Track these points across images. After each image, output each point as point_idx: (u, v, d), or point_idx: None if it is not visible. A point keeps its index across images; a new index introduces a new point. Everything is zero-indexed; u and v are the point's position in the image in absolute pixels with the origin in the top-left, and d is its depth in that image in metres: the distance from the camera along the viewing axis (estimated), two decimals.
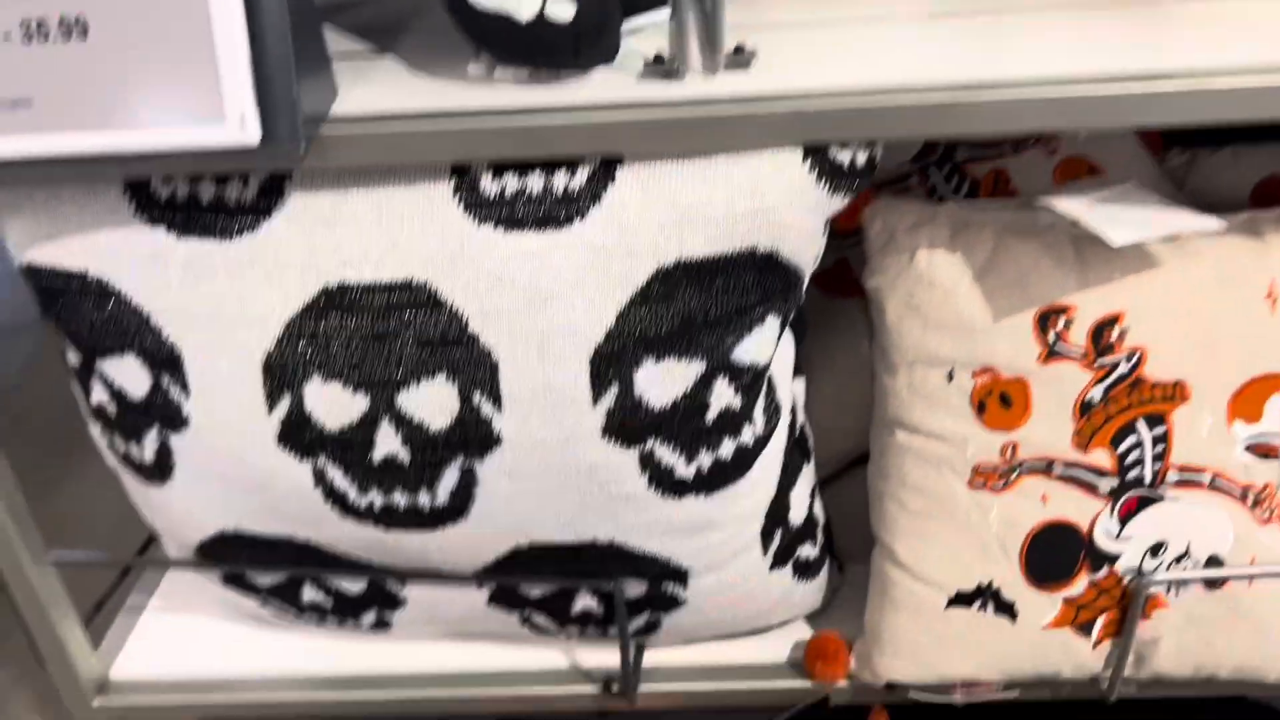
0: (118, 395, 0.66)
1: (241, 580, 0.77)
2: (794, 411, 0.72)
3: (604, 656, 0.82)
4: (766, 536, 0.72)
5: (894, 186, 0.84)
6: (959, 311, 0.68)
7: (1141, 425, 0.68)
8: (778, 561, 0.74)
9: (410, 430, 0.62)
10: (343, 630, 0.82)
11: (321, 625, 0.81)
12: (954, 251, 0.69)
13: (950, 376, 0.69)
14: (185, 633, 0.87)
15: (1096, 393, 0.68)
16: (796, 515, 0.74)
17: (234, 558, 0.74)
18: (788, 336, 0.68)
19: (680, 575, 0.71)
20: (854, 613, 0.81)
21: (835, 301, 0.80)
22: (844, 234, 0.82)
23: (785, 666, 0.81)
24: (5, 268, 0.66)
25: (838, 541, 0.85)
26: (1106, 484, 0.69)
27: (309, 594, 0.77)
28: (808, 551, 0.77)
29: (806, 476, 0.75)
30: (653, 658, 0.82)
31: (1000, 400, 0.69)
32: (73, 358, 0.68)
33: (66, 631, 0.78)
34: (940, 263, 0.68)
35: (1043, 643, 0.73)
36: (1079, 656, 0.74)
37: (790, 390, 0.70)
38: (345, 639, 0.84)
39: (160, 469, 0.68)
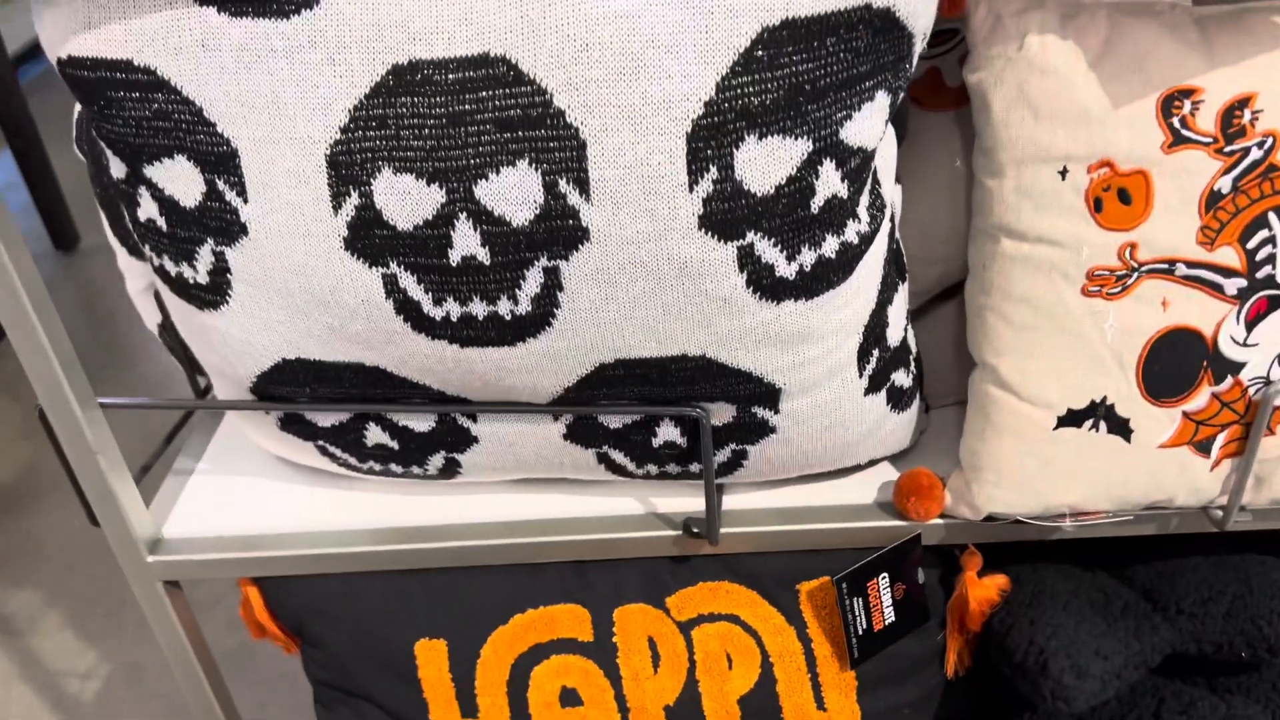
0: (168, 205, 0.61)
1: (301, 422, 0.73)
2: (893, 220, 0.67)
3: (681, 502, 0.78)
4: (863, 356, 0.67)
5: None
6: (1074, 100, 0.63)
7: (1274, 218, 0.63)
8: (873, 386, 0.69)
9: (490, 226, 0.57)
10: (407, 478, 0.78)
11: (385, 473, 0.77)
12: (1066, 36, 0.63)
13: (1063, 173, 0.64)
14: (237, 493, 0.83)
15: (1225, 183, 0.62)
16: (893, 336, 0.69)
17: (294, 391, 0.69)
18: (891, 132, 0.63)
19: (772, 396, 0.66)
20: (939, 459, 0.78)
21: (926, 114, 0.74)
22: (939, 39, 0.76)
23: (873, 507, 0.77)
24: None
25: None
26: (1234, 285, 0.64)
27: (373, 434, 0.73)
28: (901, 379, 0.72)
29: (903, 296, 0.70)
30: (733, 502, 0.78)
31: (1119, 196, 0.64)
32: (116, 169, 0.63)
33: (119, 484, 0.74)
34: (1053, 48, 0.63)
35: (1158, 464, 0.69)
36: (1196, 479, 0.69)
37: (892, 191, 0.65)
38: (406, 492, 0.80)
39: (215, 290, 0.64)
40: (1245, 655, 0.77)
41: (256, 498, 0.83)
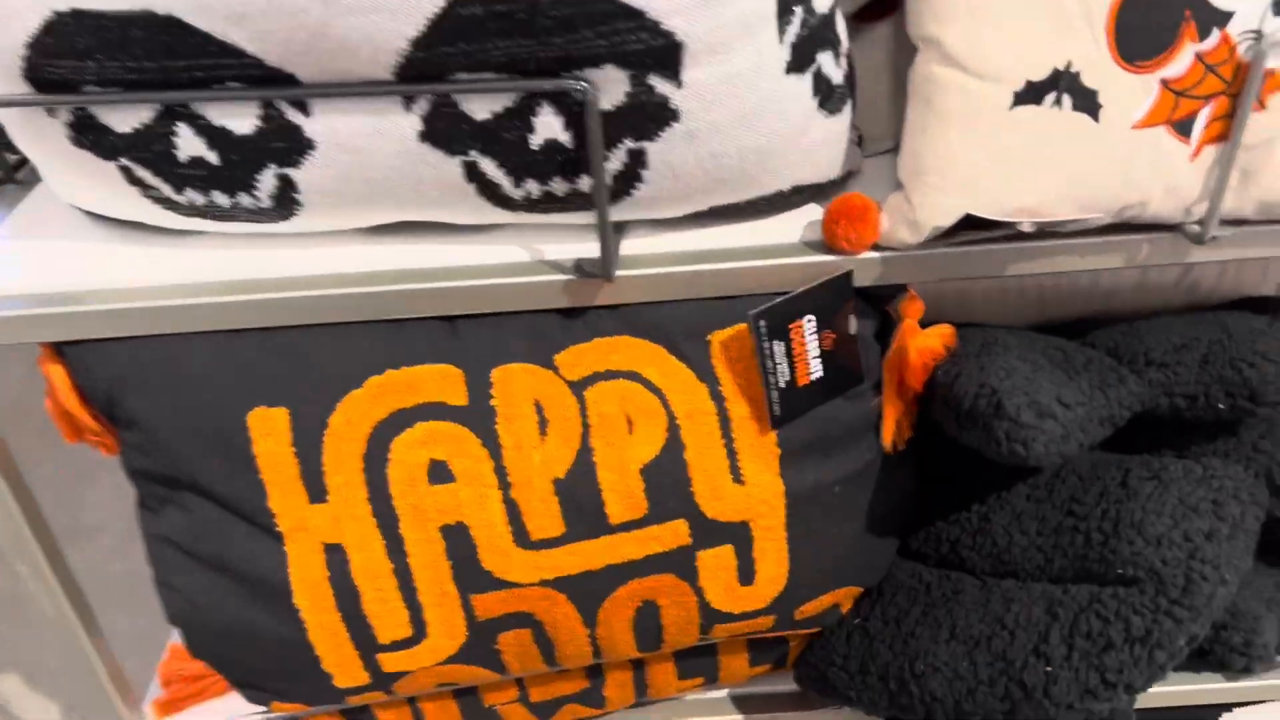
0: None
1: (96, 129, 0.59)
2: None
3: (571, 248, 0.66)
4: (784, 12, 0.55)
5: None
6: None
7: None
8: (795, 63, 0.58)
9: None
10: (238, 220, 0.64)
11: (209, 210, 0.63)
12: None
13: None
14: (38, 254, 0.69)
15: None
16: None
17: (77, 69, 0.55)
18: None
19: (671, 55, 0.54)
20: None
21: None
22: None
23: (797, 245, 0.66)
24: None
25: None
26: None
27: (186, 142, 0.59)
28: (830, 67, 0.60)
29: None
30: (635, 247, 0.66)
31: None
32: None
33: None
34: None
35: (1130, 150, 0.58)
36: (1173, 171, 0.59)
37: None
38: (244, 248, 0.67)
39: None
40: (1223, 407, 0.67)
41: (62, 257, 0.68)
